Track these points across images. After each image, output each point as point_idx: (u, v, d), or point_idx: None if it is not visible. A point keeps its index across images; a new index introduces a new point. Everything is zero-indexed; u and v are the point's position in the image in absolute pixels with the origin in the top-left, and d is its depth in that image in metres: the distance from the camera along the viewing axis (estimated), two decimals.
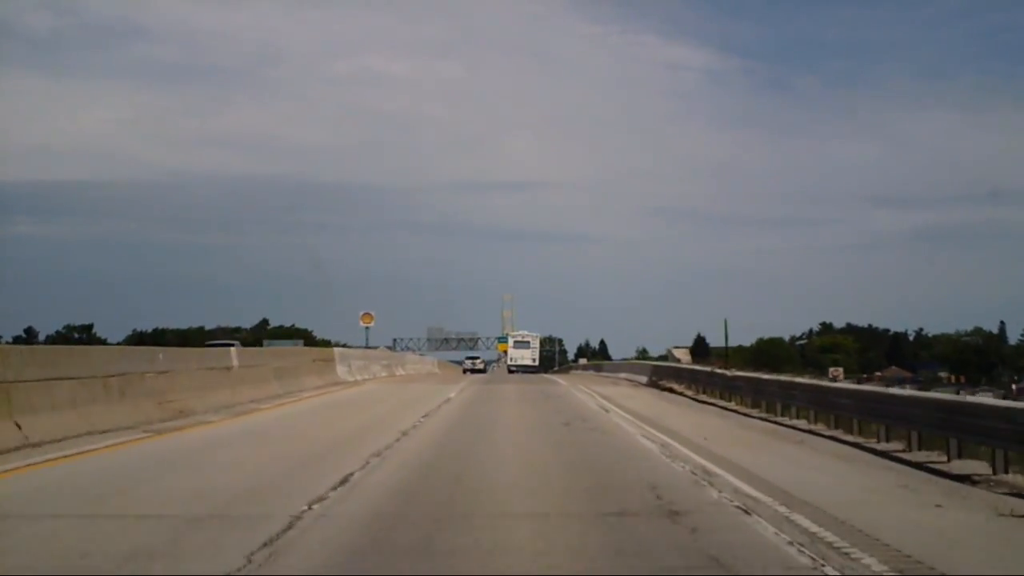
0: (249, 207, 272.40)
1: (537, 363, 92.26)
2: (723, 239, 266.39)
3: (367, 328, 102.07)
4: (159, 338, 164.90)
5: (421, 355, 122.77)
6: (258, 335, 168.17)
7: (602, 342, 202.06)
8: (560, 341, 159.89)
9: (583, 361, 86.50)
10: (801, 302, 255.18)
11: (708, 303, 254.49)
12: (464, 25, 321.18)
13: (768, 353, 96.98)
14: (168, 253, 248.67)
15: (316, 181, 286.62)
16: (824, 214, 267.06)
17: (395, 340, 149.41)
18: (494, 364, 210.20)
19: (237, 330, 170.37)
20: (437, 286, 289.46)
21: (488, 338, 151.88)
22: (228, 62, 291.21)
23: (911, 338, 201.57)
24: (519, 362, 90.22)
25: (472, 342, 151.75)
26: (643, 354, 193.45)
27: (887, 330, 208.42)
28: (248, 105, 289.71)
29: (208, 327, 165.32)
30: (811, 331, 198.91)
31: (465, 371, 76.93)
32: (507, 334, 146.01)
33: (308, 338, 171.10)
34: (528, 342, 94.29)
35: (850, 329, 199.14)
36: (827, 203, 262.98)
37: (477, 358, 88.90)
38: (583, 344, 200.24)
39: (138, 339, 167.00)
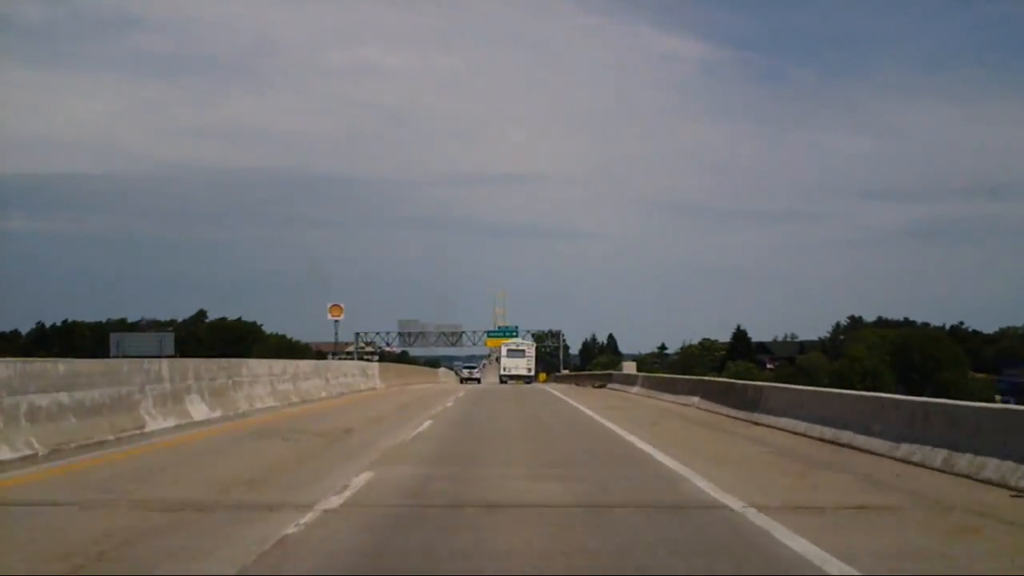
0: (242, 200, 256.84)
1: (533, 373, 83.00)
2: (718, 233, 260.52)
3: (336, 321, 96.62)
4: (68, 331, 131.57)
5: (374, 351, 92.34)
6: (192, 329, 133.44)
7: (611, 337, 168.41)
8: (561, 335, 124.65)
9: (628, 368, 48.98)
10: (802, 297, 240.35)
11: (708, 298, 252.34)
12: (460, 16, 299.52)
13: (923, 351, 62.71)
14: (153, 247, 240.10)
15: (310, 173, 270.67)
16: (819, 208, 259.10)
17: (358, 335, 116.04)
18: (484, 361, 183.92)
19: (170, 322, 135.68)
20: (427, 280, 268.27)
21: (475, 332, 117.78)
22: (223, 53, 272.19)
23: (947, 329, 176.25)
24: (513, 372, 79.83)
25: (455, 337, 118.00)
26: (664, 352, 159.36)
27: (926, 324, 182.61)
28: (243, 97, 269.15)
29: (132, 319, 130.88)
30: (838, 325, 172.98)
31: (463, 380, 72.17)
32: (499, 326, 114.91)
33: (256, 333, 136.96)
34: (523, 351, 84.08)
35: (883, 323, 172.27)
36: (822, 197, 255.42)
37: (474, 367, 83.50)
38: (588, 339, 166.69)
39: (40, 333, 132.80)
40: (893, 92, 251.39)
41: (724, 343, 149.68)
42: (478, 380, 76.04)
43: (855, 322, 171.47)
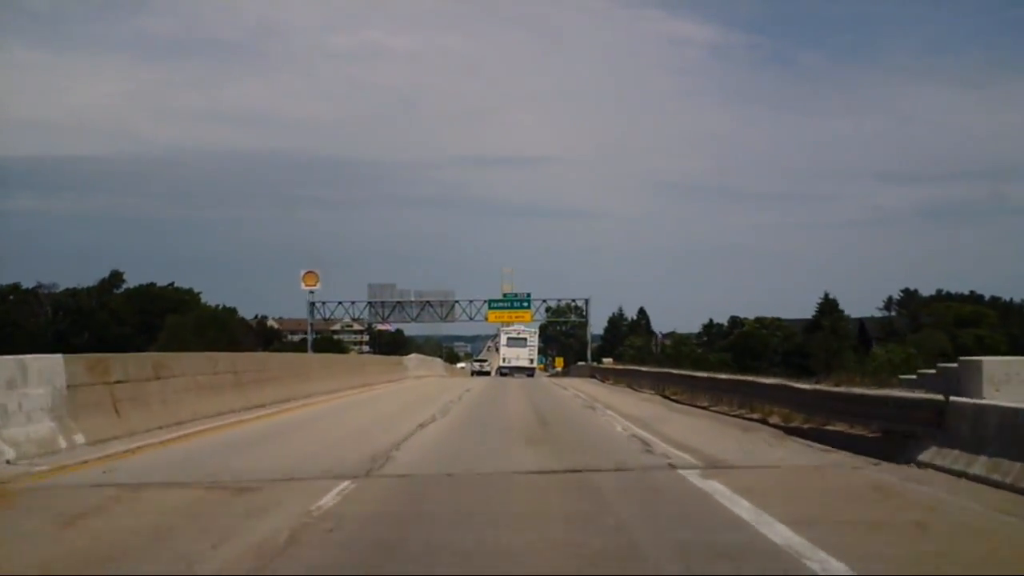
0: (246, 181, 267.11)
1: (535, 364, 75.48)
2: (727, 214, 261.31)
3: (311, 291, 78.51)
4: None
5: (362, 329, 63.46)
6: (106, 298, 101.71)
7: (642, 312, 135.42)
8: (587, 309, 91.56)
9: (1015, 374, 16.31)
10: (822, 275, 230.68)
11: (725, 276, 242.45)
12: None
13: None
14: (153, 225, 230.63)
15: (315, 155, 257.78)
16: (828, 190, 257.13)
17: (313, 305, 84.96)
18: (488, 343, 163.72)
19: (76, 291, 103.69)
20: (431, 259, 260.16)
21: (472, 302, 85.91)
22: (229, 36, 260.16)
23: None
24: (514, 363, 71.67)
25: (445, 308, 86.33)
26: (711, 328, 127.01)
27: (996, 298, 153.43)
28: (249, 80, 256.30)
29: (27, 285, 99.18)
30: (891, 299, 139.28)
31: (473, 373, 73.41)
32: (505, 294, 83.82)
33: (192, 302, 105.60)
34: (525, 339, 75.17)
35: (945, 297, 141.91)
36: (831, 178, 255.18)
37: (485, 360, 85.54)
38: (616, 313, 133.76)
39: None
40: (902, 75, 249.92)
41: (787, 320, 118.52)
42: (488, 373, 73.26)
43: (910, 296, 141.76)
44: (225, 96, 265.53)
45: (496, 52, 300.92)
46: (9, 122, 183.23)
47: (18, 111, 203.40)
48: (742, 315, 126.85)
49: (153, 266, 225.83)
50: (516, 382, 39.30)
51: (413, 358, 51.93)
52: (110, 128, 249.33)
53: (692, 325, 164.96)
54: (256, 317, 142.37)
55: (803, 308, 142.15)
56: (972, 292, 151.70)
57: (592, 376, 54.71)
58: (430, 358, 67.67)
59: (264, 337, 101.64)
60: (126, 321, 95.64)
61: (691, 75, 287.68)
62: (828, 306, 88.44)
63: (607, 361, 57.13)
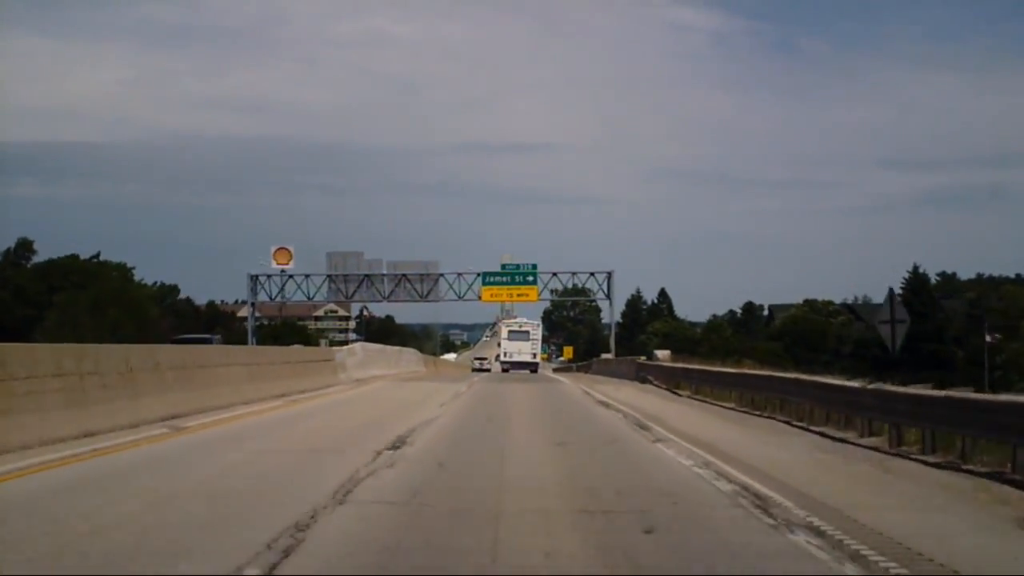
0: (249, 168, 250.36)
1: (538, 358, 69.29)
2: (728, 201, 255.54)
3: (283, 269, 66.27)
4: None
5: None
6: (9, 272, 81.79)
7: (663, 294, 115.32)
8: (606, 285, 70.83)
9: None
10: (818, 263, 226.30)
11: (726, 264, 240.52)
12: None
13: None
14: (149, 213, 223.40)
15: (317, 143, 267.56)
16: (831, 177, 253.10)
17: (254, 278, 65.50)
18: (487, 333, 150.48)
19: None
20: (428, 245, 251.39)
21: (462, 275, 66.20)
22: (231, 22, 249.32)
23: None
24: (516, 358, 65.94)
25: (427, 284, 66.60)
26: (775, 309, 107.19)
27: None
28: (252, 67, 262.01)
29: None
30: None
31: (474, 370, 72.95)
32: (504, 265, 64.09)
33: (121, 278, 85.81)
34: (527, 332, 69.56)
35: (988, 280, 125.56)
36: (833, 166, 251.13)
37: (485, 358, 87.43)
38: (634, 295, 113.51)
39: None
40: (905, 62, 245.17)
41: (838, 304, 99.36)
42: (488, 370, 72.63)
43: (947, 280, 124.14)
44: (227, 83, 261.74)
45: (498, 39, 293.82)
46: (9, 109, 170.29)
47: (18, 98, 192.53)
48: (756, 301, 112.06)
49: (146, 254, 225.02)
50: (527, 407, 21.93)
51: (356, 349, 31.93)
52: (111, 115, 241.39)
53: (700, 313, 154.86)
54: (236, 302, 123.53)
55: (816, 292, 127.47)
56: (1018, 275, 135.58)
57: (642, 380, 34.63)
58: (395, 348, 47.77)
59: (208, 320, 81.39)
60: (35, 300, 76.25)
61: (694, 62, 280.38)
62: (918, 283, 68.23)
63: (662, 355, 36.74)
